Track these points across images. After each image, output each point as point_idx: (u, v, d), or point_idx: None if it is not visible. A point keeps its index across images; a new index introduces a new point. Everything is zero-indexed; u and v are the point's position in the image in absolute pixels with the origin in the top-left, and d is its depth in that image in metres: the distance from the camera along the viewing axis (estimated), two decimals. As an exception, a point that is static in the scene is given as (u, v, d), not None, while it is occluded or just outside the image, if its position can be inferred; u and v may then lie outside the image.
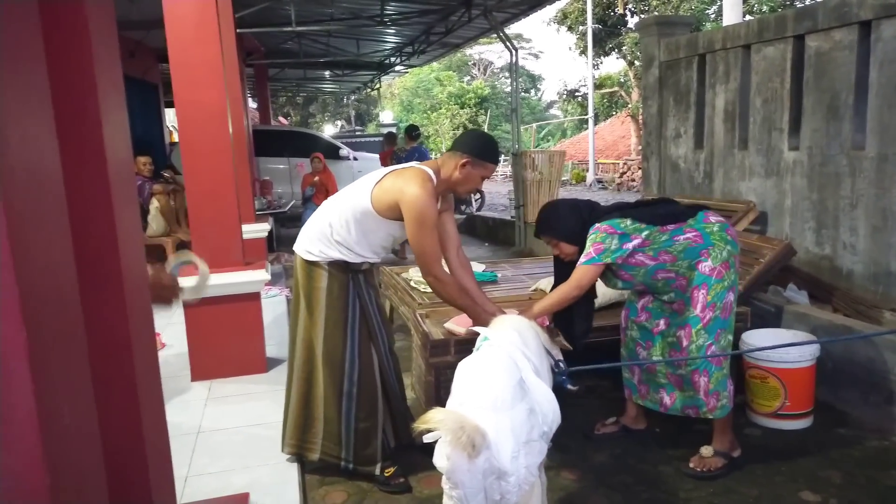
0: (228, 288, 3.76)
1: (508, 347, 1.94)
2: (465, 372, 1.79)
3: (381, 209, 2.51)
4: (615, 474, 2.76)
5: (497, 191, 13.29)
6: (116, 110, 1.04)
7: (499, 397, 1.69)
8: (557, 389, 2.44)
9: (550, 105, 38.01)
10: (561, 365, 2.37)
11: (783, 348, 3.03)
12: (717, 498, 2.56)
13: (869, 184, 3.58)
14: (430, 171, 2.54)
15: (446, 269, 2.65)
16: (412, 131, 8.26)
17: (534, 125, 24.79)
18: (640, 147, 20.66)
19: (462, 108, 29.89)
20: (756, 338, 3.22)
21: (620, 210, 2.70)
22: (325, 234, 2.59)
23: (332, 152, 11.69)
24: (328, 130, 31.87)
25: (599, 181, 19.96)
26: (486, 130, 28.47)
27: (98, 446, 0.95)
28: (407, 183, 2.45)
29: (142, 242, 1.10)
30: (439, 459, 1.66)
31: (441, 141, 29.49)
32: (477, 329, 2.18)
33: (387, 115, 27.78)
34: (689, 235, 2.63)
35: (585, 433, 3.09)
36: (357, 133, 22.78)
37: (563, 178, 21.42)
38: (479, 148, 2.56)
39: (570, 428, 3.14)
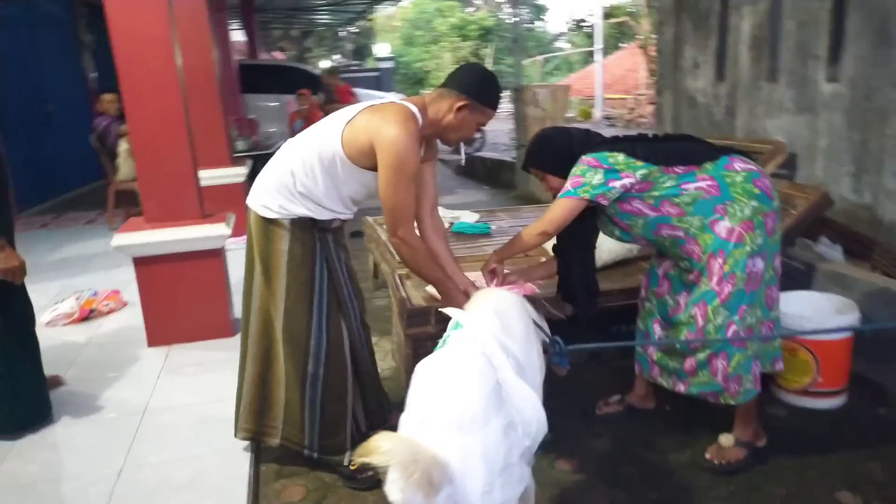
0: (183, 244, 3.33)
1: (484, 340, 1.51)
2: (426, 378, 1.37)
3: (353, 154, 2.04)
4: (619, 465, 2.37)
5: (499, 128, 12.55)
6: None
7: (467, 413, 1.27)
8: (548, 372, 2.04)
9: (557, 37, 36.49)
10: (559, 342, 1.95)
11: (818, 318, 2.60)
12: (739, 497, 2.18)
13: (922, 121, 3.06)
14: (415, 109, 2.05)
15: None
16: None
17: (539, 58, 23.70)
18: (650, 81, 19.74)
19: (464, 40, 28.59)
20: (784, 303, 2.77)
21: (616, 142, 2.24)
22: (287, 186, 2.12)
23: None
24: (325, 65, 30.62)
25: (607, 118, 19.11)
26: (489, 65, 27.38)
27: None
28: (386, 121, 1.98)
29: None
30: (392, 492, 1.26)
31: (442, 76, 28.39)
32: (448, 311, 1.75)
33: (383, 48, 26.27)
34: (701, 184, 2.15)
35: (585, 412, 2.70)
36: (353, 67, 21.79)
37: (569, 115, 20.59)
38: (480, 89, 2.08)
39: (567, 406, 2.76)
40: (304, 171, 2.10)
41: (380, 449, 1.16)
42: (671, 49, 4.68)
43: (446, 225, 4.13)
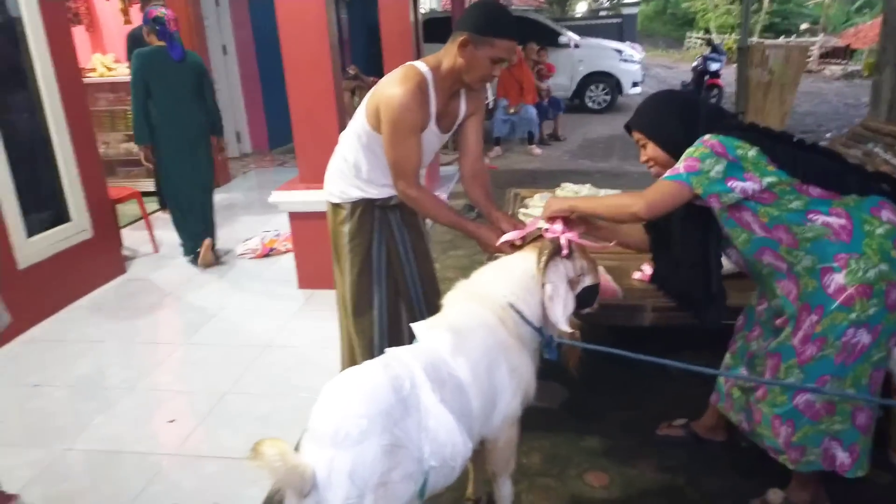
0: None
1: (406, 361, 1.59)
2: (327, 391, 1.51)
3: (374, 123, 2.12)
4: (649, 495, 2.25)
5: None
6: None
7: (342, 430, 1.40)
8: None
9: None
10: (543, 334, 1.84)
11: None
12: (762, 566, 1.95)
13: None
14: (424, 67, 2.07)
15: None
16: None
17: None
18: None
19: (742, -24, 25.52)
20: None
21: (753, 132, 1.82)
22: (342, 170, 2.29)
23: (551, 38, 10.87)
24: (580, 8, 29.53)
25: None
26: (767, 5, 24.03)
27: None
28: (388, 83, 2.06)
29: None
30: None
31: (711, 17, 25.83)
32: (414, 326, 1.81)
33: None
34: (831, 220, 1.75)
35: (647, 432, 2.55)
36: (601, 13, 20.72)
37: (854, 69, 17.42)
38: (477, 19, 1.98)
39: (630, 421, 2.62)
40: (352, 154, 2.22)
41: (259, 453, 1.34)
42: (903, 14, 3.81)
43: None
